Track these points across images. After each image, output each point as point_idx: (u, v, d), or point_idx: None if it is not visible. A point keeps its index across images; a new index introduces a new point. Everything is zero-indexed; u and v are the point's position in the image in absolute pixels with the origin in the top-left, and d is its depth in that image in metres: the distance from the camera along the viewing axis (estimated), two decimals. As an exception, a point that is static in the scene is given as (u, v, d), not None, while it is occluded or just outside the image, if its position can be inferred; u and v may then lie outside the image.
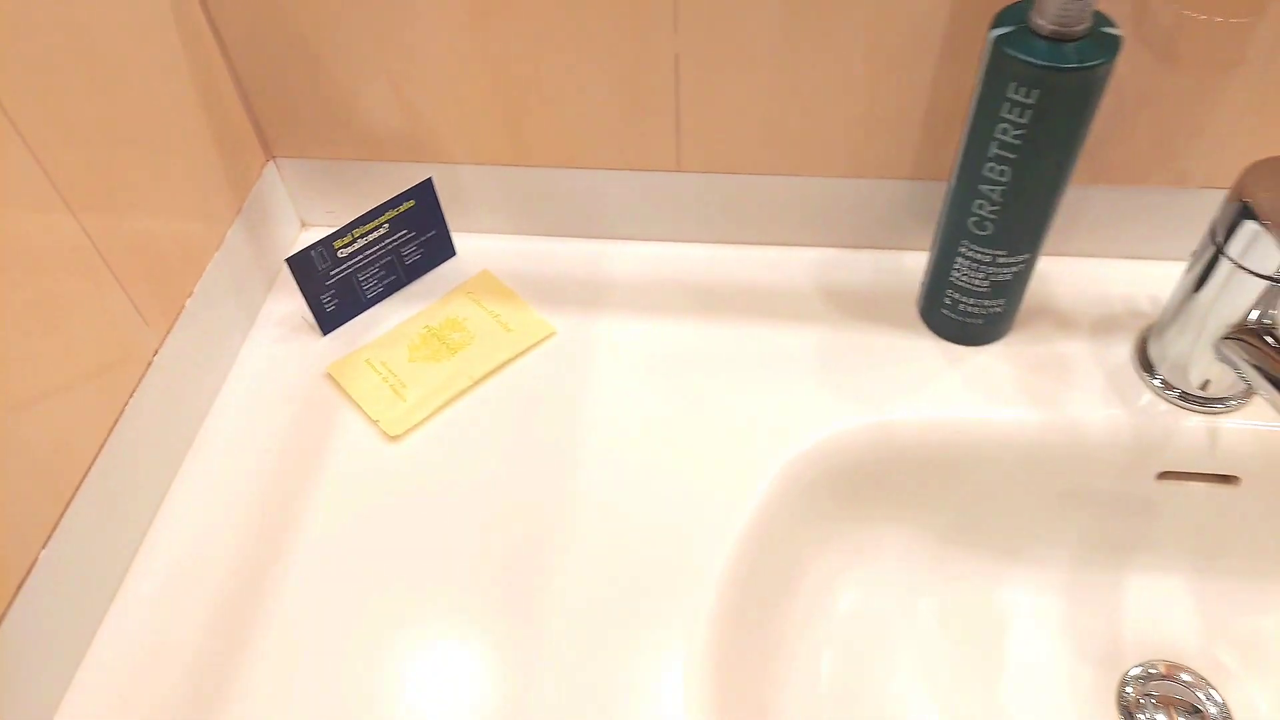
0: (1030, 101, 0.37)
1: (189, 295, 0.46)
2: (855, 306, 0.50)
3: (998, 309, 0.46)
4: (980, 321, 0.47)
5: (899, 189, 0.49)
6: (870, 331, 0.49)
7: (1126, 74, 0.43)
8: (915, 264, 0.52)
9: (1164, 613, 0.49)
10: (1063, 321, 0.49)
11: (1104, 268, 0.51)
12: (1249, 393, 0.45)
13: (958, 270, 0.45)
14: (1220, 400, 0.45)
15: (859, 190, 0.50)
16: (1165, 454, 0.45)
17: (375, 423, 0.46)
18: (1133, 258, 0.51)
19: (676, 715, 0.36)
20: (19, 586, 0.35)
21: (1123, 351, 0.47)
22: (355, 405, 0.47)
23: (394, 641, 0.39)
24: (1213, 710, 0.46)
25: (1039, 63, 0.36)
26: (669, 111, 0.47)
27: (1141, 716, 0.46)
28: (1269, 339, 0.40)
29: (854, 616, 0.48)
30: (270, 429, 0.47)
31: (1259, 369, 0.39)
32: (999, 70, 0.37)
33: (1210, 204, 0.48)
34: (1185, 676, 0.47)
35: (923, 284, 0.49)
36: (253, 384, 0.49)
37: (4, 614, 0.35)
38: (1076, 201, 0.49)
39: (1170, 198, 0.48)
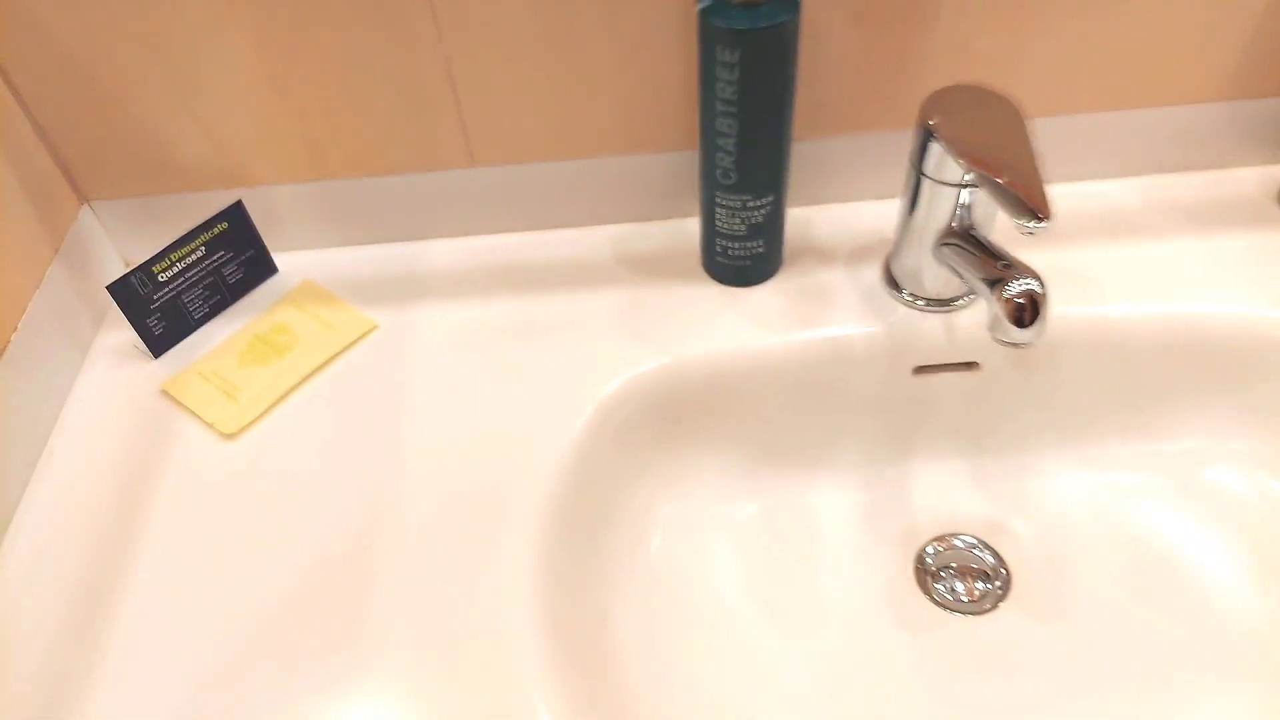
0: (735, 60, 0.44)
1: (13, 331, 0.48)
2: (648, 269, 0.56)
3: (760, 249, 0.53)
4: (749, 263, 0.53)
5: (670, 160, 0.56)
6: (662, 288, 0.55)
7: (831, 36, 0.51)
8: (697, 227, 0.59)
9: (946, 491, 0.56)
10: (823, 257, 0.56)
11: (855, 209, 0.59)
12: (970, 293, 0.53)
13: (719, 219, 0.51)
14: (953, 299, 0.52)
15: (637, 165, 0.56)
16: (915, 352, 0.53)
17: (211, 425, 0.49)
18: (877, 198, 0.59)
19: (517, 622, 0.41)
20: None
21: (873, 275, 0.55)
22: (191, 414, 0.50)
23: (242, 620, 0.43)
24: (989, 560, 0.53)
25: (734, 26, 0.43)
26: (452, 112, 0.52)
27: (938, 585, 0.53)
28: (968, 237, 0.48)
29: (677, 528, 0.54)
30: (109, 446, 0.49)
31: (963, 264, 0.47)
32: (707, 37, 0.44)
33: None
34: (968, 540, 0.54)
35: (700, 239, 0.55)
36: (90, 410, 0.51)
37: None
38: (822, 153, 0.56)
39: (894, 140, 0.56)
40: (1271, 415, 0.53)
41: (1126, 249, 0.55)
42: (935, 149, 0.46)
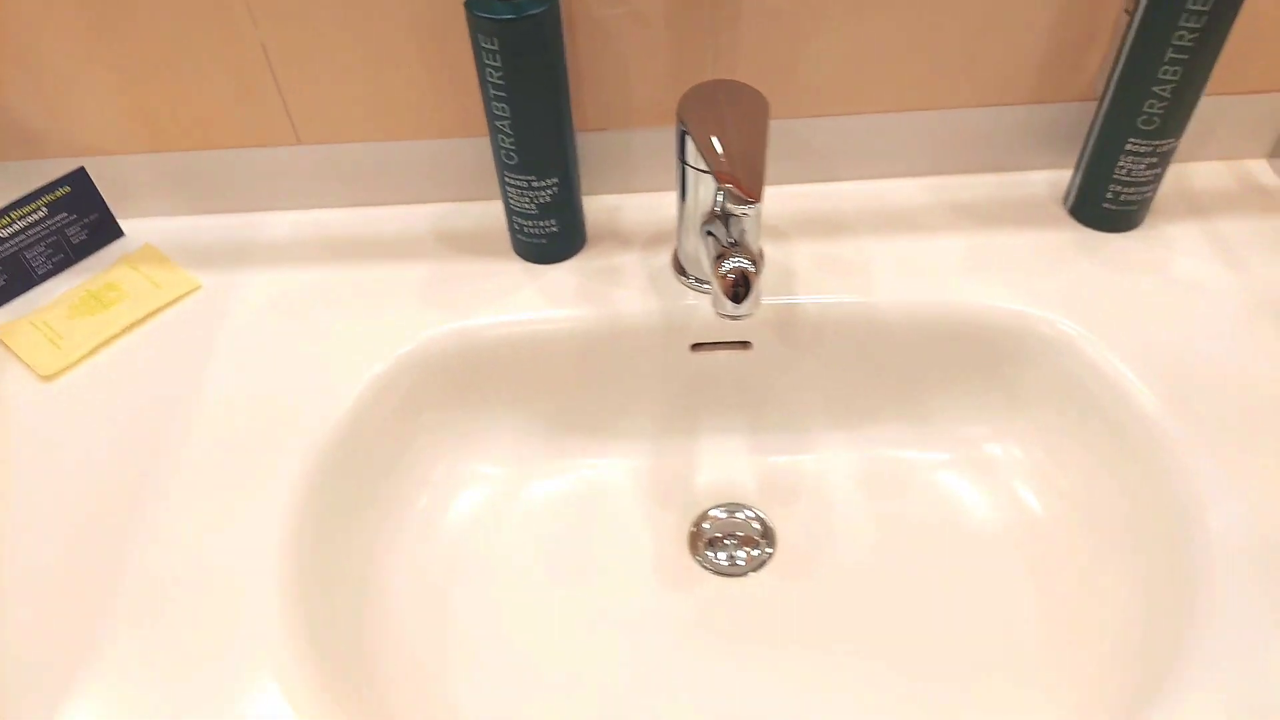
0: (496, 48, 0.48)
1: None
2: (460, 246, 0.61)
3: (554, 228, 0.57)
4: (545, 241, 0.58)
5: (480, 144, 0.60)
6: (469, 263, 0.59)
7: (623, 34, 0.55)
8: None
9: (726, 463, 0.60)
10: (624, 242, 0.60)
11: (662, 198, 0.63)
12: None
13: (510, 198, 0.56)
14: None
15: (451, 148, 0.60)
16: (691, 330, 0.57)
17: (31, 367, 0.54)
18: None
19: (263, 563, 0.45)
20: None
21: (664, 259, 0.59)
22: (16, 357, 0.55)
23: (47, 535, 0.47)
24: (759, 528, 0.57)
25: (493, 16, 0.47)
26: (273, 93, 0.57)
27: (708, 551, 0.57)
28: (724, 220, 0.52)
29: (462, 487, 0.58)
30: (-62, 385, 0.54)
31: (707, 245, 0.51)
32: (474, 28, 0.48)
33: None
34: (742, 508, 0.58)
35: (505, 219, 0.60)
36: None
37: None
38: (630, 144, 0.61)
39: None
40: (1031, 403, 0.56)
41: (904, 243, 0.59)
42: (690, 139, 0.50)
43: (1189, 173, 0.62)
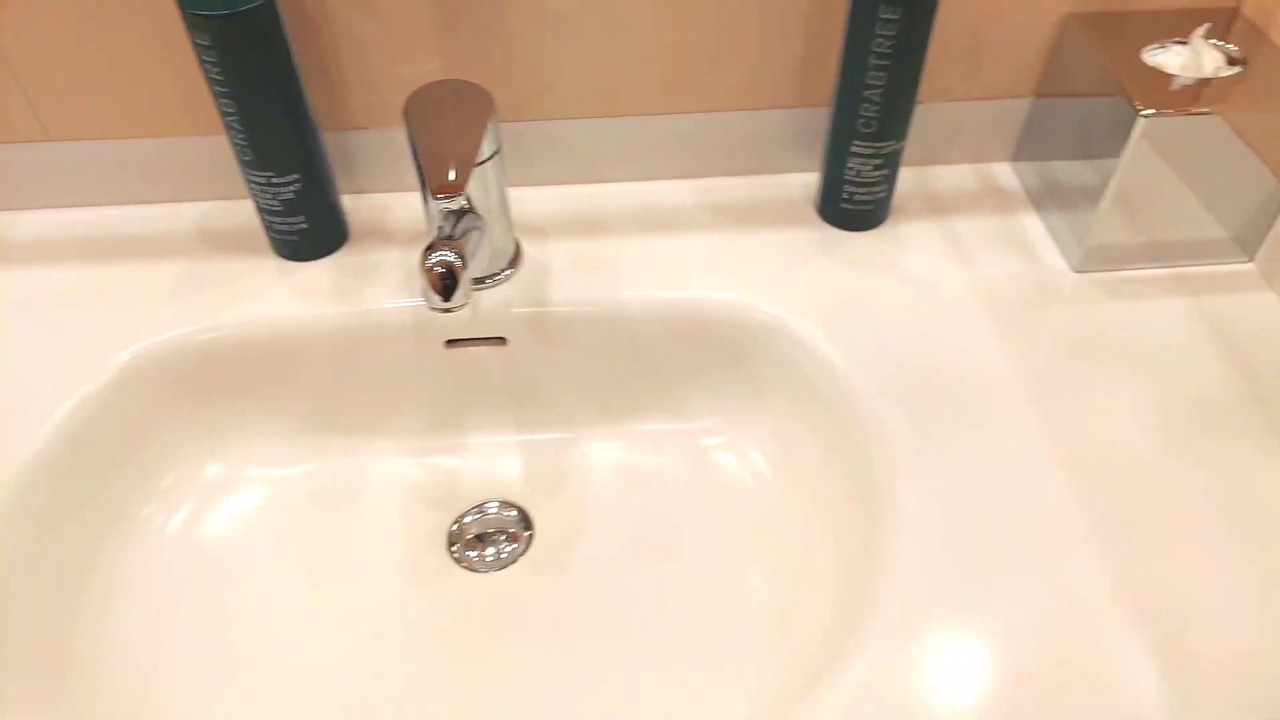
0: (210, 44, 0.48)
1: None
2: (220, 244, 0.60)
3: (304, 225, 0.57)
4: (297, 238, 0.58)
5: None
6: (227, 261, 0.59)
7: (349, 33, 0.56)
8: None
9: (490, 460, 0.61)
10: (385, 239, 0.61)
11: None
12: (514, 264, 0.58)
13: (254, 194, 0.56)
14: (483, 279, 0.57)
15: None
16: (444, 327, 0.57)
17: None
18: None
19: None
20: None
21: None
22: None
23: None
24: (519, 524, 0.58)
25: (204, 13, 0.47)
26: (14, 87, 0.56)
27: (467, 549, 0.57)
28: (458, 217, 0.53)
29: (209, 489, 0.57)
30: None
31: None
32: (188, 24, 0.48)
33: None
34: (502, 506, 0.59)
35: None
36: None
37: None
38: (391, 144, 0.61)
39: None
40: (769, 391, 0.59)
41: (660, 242, 0.61)
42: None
43: (934, 175, 0.65)
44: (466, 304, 0.48)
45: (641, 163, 0.64)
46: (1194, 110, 0.51)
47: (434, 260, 0.47)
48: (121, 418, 0.54)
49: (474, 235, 0.51)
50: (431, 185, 0.46)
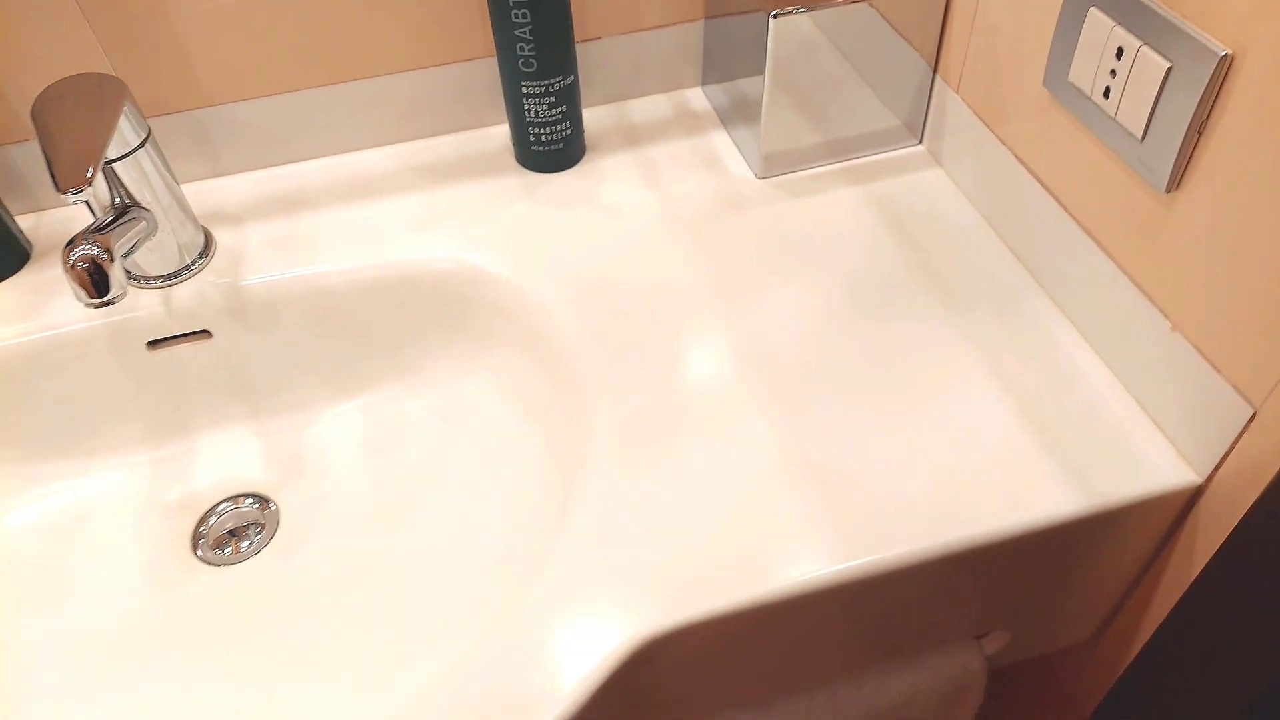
0: None
1: None
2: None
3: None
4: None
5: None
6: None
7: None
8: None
9: (229, 456, 0.60)
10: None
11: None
12: (206, 254, 0.57)
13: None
14: (172, 275, 0.56)
15: None
16: (141, 329, 0.56)
17: None
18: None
19: None
20: None
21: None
22: None
23: None
24: (262, 513, 0.57)
25: None
26: None
27: (211, 546, 0.56)
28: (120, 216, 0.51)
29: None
30: None
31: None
32: None
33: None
34: (244, 497, 0.58)
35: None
36: None
37: None
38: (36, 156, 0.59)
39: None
40: (490, 341, 0.60)
41: (362, 210, 0.61)
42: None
43: (629, 108, 0.67)
44: (124, 294, 0.47)
45: (335, 135, 0.63)
46: (820, 5, 0.54)
47: (75, 256, 0.45)
48: None
49: (138, 229, 0.50)
50: (59, 181, 0.45)
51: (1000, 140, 0.54)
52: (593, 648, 0.40)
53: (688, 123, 0.66)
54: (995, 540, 0.43)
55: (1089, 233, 0.49)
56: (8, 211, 0.57)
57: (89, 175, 0.45)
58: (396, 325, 0.59)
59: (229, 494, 0.58)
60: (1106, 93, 0.44)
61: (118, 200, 0.52)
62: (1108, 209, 0.47)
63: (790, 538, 0.43)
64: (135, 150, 0.50)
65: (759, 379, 0.50)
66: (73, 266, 0.45)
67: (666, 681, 0.44)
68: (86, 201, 0.52)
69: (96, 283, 0.46)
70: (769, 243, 0.57)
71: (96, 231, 0.47)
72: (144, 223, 0.51)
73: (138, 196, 0.52)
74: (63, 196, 0.44)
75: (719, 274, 0.55)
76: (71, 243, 0.46)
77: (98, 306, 0.46)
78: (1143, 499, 0.44)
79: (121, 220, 0.49)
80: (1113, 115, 0.44)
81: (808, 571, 0.42)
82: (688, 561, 0.43)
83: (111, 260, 0.46)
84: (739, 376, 0.50)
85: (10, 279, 0.57)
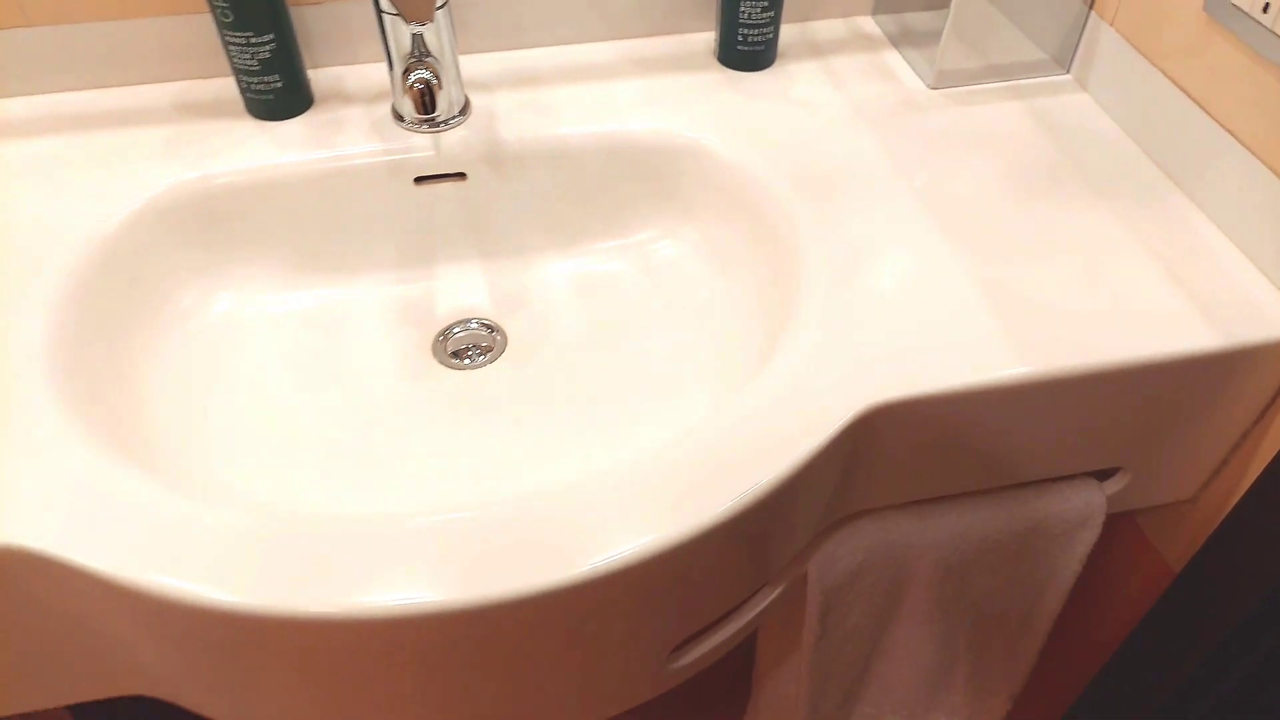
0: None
1: None
2: (199, 113, 0.68)
3: (279, 84, 0.65)
4: (272, 97, 0.66)
5: (206, 19, 0.68)
6: (208, 124, 0.67)
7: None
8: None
9: (468, 286, 0.70)
10: (347, 100, 0.69)
11: (380, 67, 0.72)
12: (464, 112, 0.68)
13: (235, 56, 0.64)
14: (444, 121, 0.67)
15: (183, 24, 0.67)
16: (412, 166, 0.67)
17: None
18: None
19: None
20: None
21: (384, 110, 0.68)
22: None
23: None
24: (498, 340, 0.68)
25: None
26: (-2, -26, 0.63)
27: (450, 356, 0.67)
28: (422, 58, 0.62)
29: (223, 324, 0.65)
30: None
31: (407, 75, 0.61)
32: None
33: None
34: (477, 321, 0.69)
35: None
36: None
37: None
38: (344, 17, 0.70)
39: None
40: (695, 203, 0.70)
41: (590, 89, 0.71)
42: (383, -9, 0.60)
43: (811, 29, 0.78)
44: (443, 121, 0.57)
45: (563, 28, 0.74)
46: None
47: (414, 79, 0.56)
48: (136, 256, 0.61)
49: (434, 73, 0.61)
50: (407, 14, 0.55)
51: (1151, 63, 0.64)
52: (821, 417, 0.51)
53: (863, 43, 0.76)
54: (1143, 364, 0.53)
55: (1237, 137, 0.59)
56: (302, 61, 0.67)
57: (434, 9, 0.55)
58: (617, 189, 0.70)
59: (462, 318, 0.69)
60: (1266, 8, 0.54)
61: (415, 50, 0.62)
62: (1260, 114, 0.57)
63: (975, 337, 0.54)
64: (443, 5, 0.61)
65: (945, 232, 0.60)
66: (410, 87, 0.56)
67: (874, 458, 0.54)
68: (388, 49, 0.62)
69: (427, 103, 0.56)
70: (944, 138, 0.67)
71: (422, 59, 0.57)
72: (434, 70, 0.61)
73: (430, 47, 0.62)
74: (408, 27, 0.55)
75: (903, 158, 0.66)
76: (408, 69, 0.56)
77: (423, 125, 0.56)
78: (1267, 343, 0.54)
79: (425, 61, 0.59)
80: (1271, 28, 0.54)
81: (1003, 370, 0.52)
82: (899, 357, 0.53)
83: (440, 86, 0.56)
84: (927, 230, 0.60)
85: (300, 117, 0.67)
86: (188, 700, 0.54)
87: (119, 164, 0.63)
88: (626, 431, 0.60)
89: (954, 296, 0.57)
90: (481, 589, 0.44)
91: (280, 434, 0.61)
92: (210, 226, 0.65)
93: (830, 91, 0.71)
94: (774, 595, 0.60)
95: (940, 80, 0.71)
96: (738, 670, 1.08)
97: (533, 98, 0.70)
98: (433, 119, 0.57)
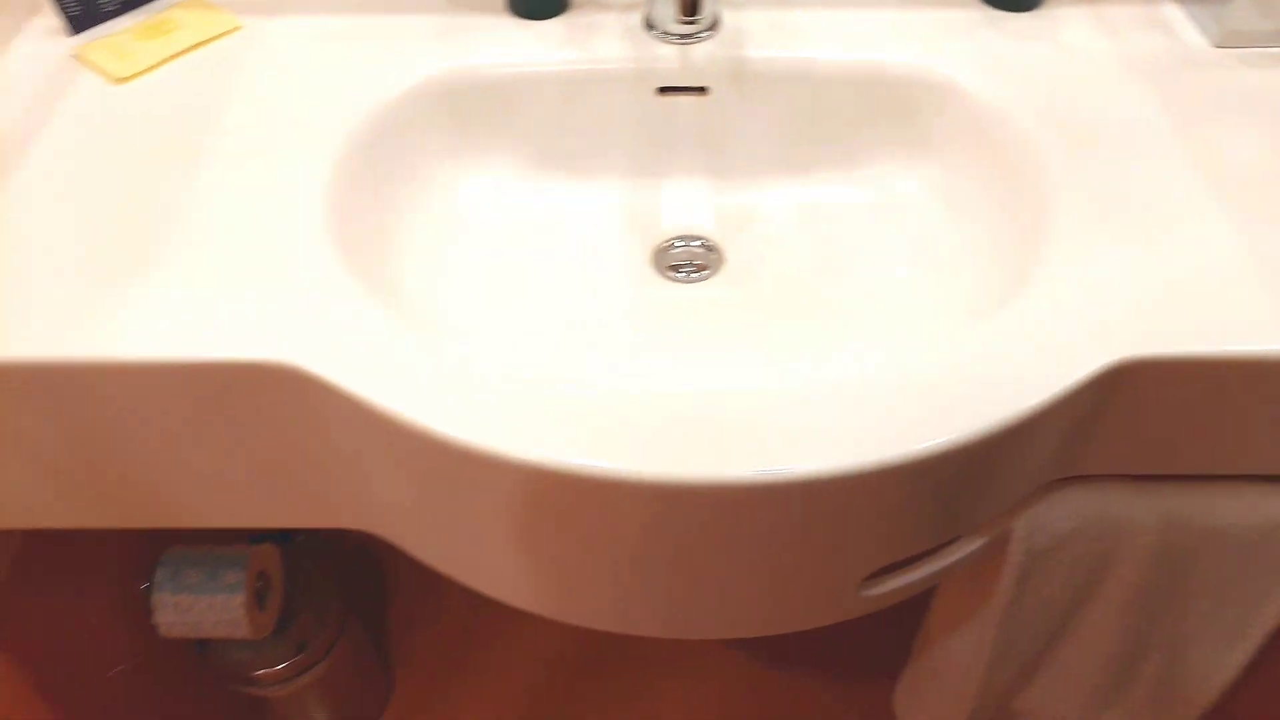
0: None
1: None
2: (465, 5, 0.71)
3: (536, -12, 0.68)
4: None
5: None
6: (473, 18, 0.70)
7: None
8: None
9: (685, 200, 0.71)
10: (602, 6, 0.71)
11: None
12: (714, 28, 0.68)
13: (509, -46, 0.66)
14: (692, 35, 0.67)
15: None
16: (656, 75, 0.67)
17: (105, 73, 0.64)
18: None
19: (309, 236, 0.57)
20: None
21: (636, 19, 0.69)
22: (92, 67, 0.65)
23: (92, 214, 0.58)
24: (714, 259, 0.68)
25: None
26: None
27: (672, 270, 0.68)
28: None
29: (461, 214, 0.69)
30: (21, 91, 0.65)
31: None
32: None
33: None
34: (696, 237, 0.69)
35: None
36: (6, 73, 0.66)
37: None
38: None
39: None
40: (940, 145, 0.67)
41: (844, 15, 0.69)
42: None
43: (1086, -27, 0.73)
44: (694, 34, 0.57)
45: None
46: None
47: (683, -18, 0.56)
48: (403, 128, 0.65)
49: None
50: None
51: None
52: (1067, 364, 0.48)
53: (1140, -6, 0.71)
54: None
55: None
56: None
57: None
58: (859, 119, 0.68)
59: (683, 234, 0.70)
60: None
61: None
62: None
63: (1266, 322, 0.50)
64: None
65: (1226, 201, 0.56)
66: (679, -11, 0.56)
67: (1112, 418, 0.52)
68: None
69: (692, 6, 0.57)
70: (1225, 100, 0.62)
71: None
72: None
73: (697, -43, 0.63)
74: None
75: (1177, 117, 0.61)
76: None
77: (684, 29, 0.57)
78: None
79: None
80: None
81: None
82: (1158, 316, 0.50)
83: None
84: (1203, 194, 0.56)
85: (557, 18, 0.70)
86: (404, 538, 0.58)
87: (397, 46, 0.67)
88: (844, 358, 0.59)
89: (1226, 264, 0.52)
90: (712, 469, 0.45)
91: (505, 305, 0.64)
92: (466, 112, 0.68)
93: (1101, 40, 0.67)
94: (972, 548, 0.58)
95: (1227, 39, 0.66)
96: (892, 636, 1.06)
97: (784, 19, 0.69)
98: (693, 21, 0.58)
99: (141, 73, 0.65)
